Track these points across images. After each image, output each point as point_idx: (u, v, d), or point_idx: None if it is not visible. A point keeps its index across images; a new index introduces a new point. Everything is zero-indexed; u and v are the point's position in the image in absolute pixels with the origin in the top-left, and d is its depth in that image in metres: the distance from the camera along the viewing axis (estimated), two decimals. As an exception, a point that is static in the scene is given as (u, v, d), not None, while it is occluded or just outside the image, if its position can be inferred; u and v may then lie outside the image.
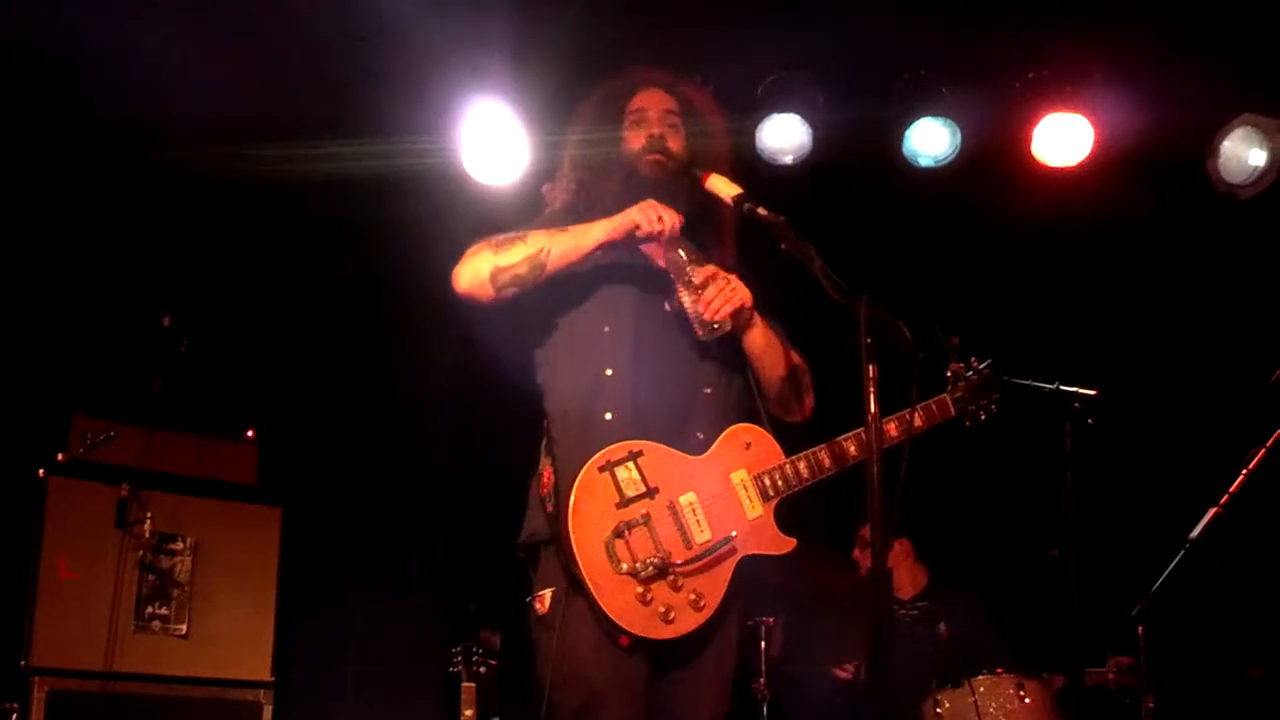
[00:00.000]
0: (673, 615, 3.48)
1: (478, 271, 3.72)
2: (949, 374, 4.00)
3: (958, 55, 6.55)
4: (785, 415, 3.96)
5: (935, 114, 6.68)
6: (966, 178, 6.74)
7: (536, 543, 3.68)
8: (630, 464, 3.56)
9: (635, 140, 3.93)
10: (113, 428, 6.03)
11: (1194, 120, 6.42)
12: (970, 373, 4.02)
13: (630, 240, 3.74)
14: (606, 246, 3.75)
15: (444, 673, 5.89)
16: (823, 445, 3.78)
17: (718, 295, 3.72)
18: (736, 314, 3.76)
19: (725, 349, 3.84)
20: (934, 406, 3.95)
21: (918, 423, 3.87)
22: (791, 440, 3.82)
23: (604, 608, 3.43)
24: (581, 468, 3.53)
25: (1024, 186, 6.73)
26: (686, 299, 3.75)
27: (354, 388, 7.09)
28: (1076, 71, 6.50)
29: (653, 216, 3.71)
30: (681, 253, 3.79)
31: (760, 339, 3.86)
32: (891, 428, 3.75)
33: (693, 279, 3.76)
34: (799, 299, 3.83)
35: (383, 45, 6.01)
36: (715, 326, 3.74)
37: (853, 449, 3.76)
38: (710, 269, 3.77)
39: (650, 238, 3.73)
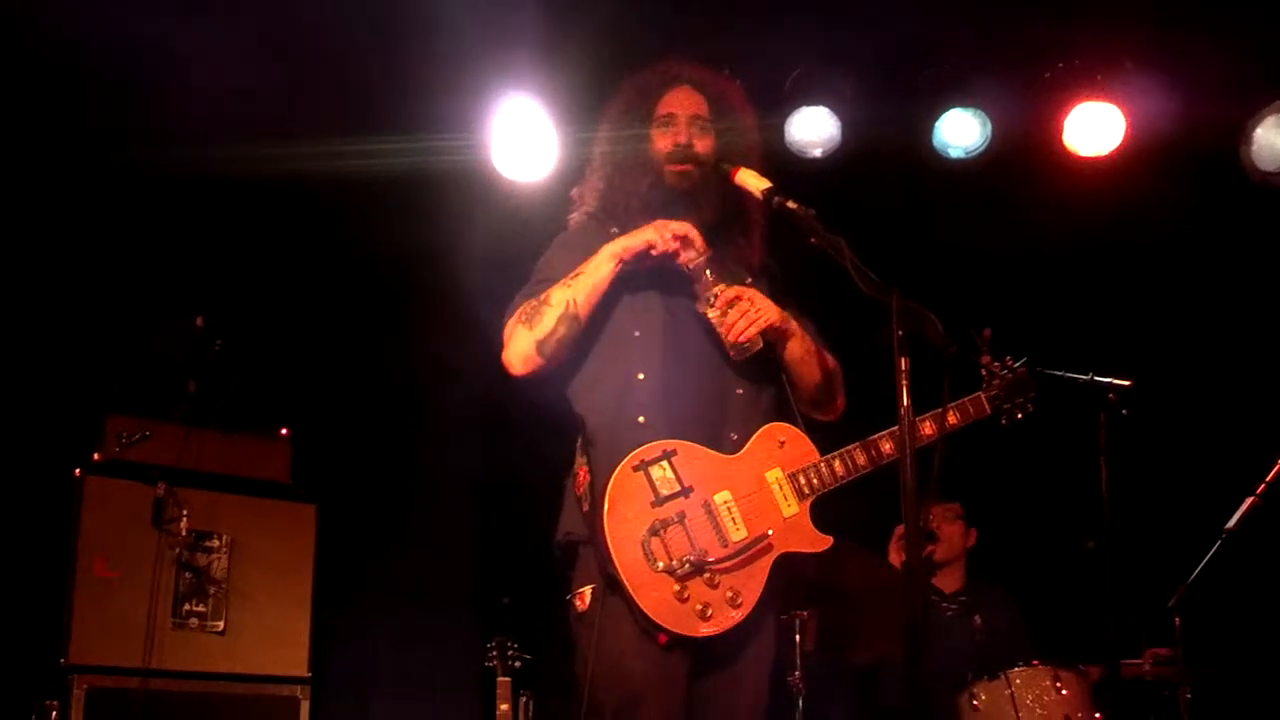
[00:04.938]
0: (710, 612, 3.49)
1: (524, 352, 3.75)
2: (984, 372, 3.99)
3: (987, 45, 6.52)
4: (817, 414, 3.98)
5: (965, 105, 6.65)
6: (997, 169, 6.72)
7: (574, 541, 3.69)
8: (665, 463, 3.58)
9: (662, 143, 3.92)
10: (148, 427, 6.06)
11: (1226, 107, 6.38)
12: (1005, 371, 4.01)
13: (645, 260, 3.73)
14: (628, 264, 3.74)
15: (479, 667, 5.91)
16: (857, 444, 3.79)
17: (741, 318, 3.73)
18: (765, 332, 3.76)
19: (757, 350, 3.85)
20: (969, 405, 3.95)
21: (953, 420, 3.88)
22: (825, 438, 3.82)
23: (641, 605, 3.44)
24: (613, 468, 3.54)
25: (1055, 177, 6.69)
26: (714, 322, 3.76)
27: (385, 385, 7.11)
28: (1107, 60, 6.46)
29: (667, 235, 3.71)
30: (708, 273, 3.77)
31: (798, 349, 3.87)
32: (927, 426, 3.76)
33: (716, 302, 3.75)
34: (828, 293, 3.84)
35: (413, 42, 6.02)
36: (745, 347, 3.74)
37: (887, 447, 3.77)
38: (734, 291, 3.76)
39: (666, 257, 3.73)
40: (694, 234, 3.74)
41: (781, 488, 3.69)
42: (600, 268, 3.72)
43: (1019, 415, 4.03)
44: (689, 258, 3.75)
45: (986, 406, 3.97)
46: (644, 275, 3.82)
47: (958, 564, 6.64)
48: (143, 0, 5.50)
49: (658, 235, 3.71)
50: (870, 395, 3.85)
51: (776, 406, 3.87)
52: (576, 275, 3.73)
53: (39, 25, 5.61)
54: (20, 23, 5.60)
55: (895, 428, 3.65)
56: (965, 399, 3.95)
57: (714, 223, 3.87)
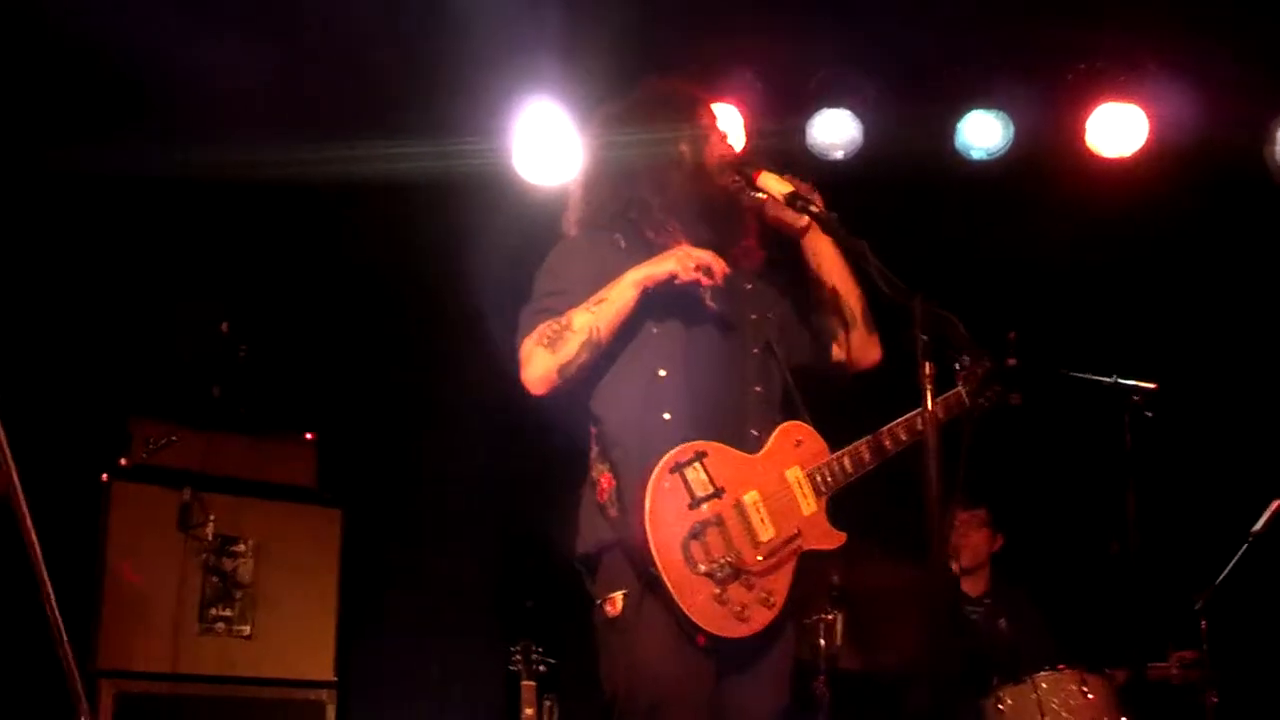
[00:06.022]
0: (747, 613, 3.52)
1: (545, 375, 3.71)
2: (957, 366, 4.01)
3: (1009, 46, 6.50)
4: (862, 359, 4.03)
5: (987, 106, 6.63)
6: (1019, 171, 6.69)
7: (601, 550, 3.69)
8: (697, 464, 3.58)
9: (713, 154, 3.92)
10: (173, 432, 6.10)
11: (1250, 108, 6.35)
12: (975, 365, 4.01)
13: (667, 288, 3.72)
14: (650, 292, 3.73)
15: (504, 671, 5.93)
16: (862, 440, 3.82)
17: None
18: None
19: (765, 347, 3.88)
20: (951, 399, 3.96)
21: (941, 415, 3.91)
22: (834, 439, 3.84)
23: (684, 609, 3.45)
24: (644, 470, 3.54)
25: (1078, 178, 6.67)
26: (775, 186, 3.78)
27: (409, 389, 7.13)
28: (1129, 61, 6.44)
29: (689, 265, 3.70)
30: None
31: (833, 252, 3.91)
32: (918, 423, 3.77)
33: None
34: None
35: (436, 47, 6.04)
36: (807, 201, 3.74)
37: (888, 443, 3.82)
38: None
39: (689, 284, 3.73)
40: (716, 263, 3.74)
41: (801, 486, 3.72)
42: (624, 295, 3.70)
43: (985, 405, 4.03)
44: (709, 283, 3.76)
45: (966, 400, 3.98)
46: None
47: (982, 569, 6.64)
48: (166, 5, 5.52)
49: (680, 266, 3.71)
50: (876, 394, 3.89)
51: (787, 405, 3.88)
52: (600, 301, 3.70)
53: (62, 28, 5.63)
54: (44, 25, 5.62)
55: (893, 425, 3.80)
56: (947, 394, 3.96)
57: (735, 237, 3.90)
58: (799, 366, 3.97)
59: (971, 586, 6.62)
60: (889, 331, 3.99)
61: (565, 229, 4.03)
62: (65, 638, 3.35)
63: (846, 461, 3.78)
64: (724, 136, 4.00)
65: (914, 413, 3.76)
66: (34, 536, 3.31)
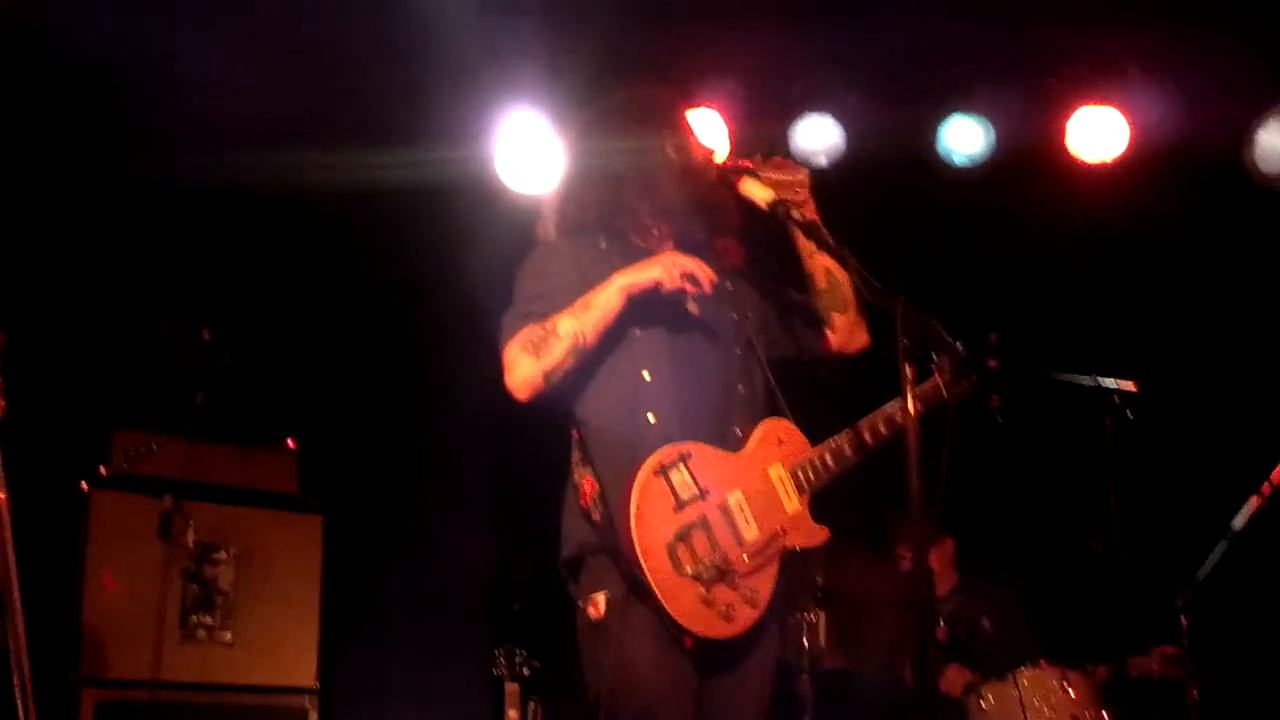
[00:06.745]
0: (733, 613, 3.52)
1: (530, 381, 3.71)
2: (933, 356, 4.02)
3: (990, 51, 6.53)
4: (852, 343, 4.03)
5: (968, 111, 6.66)
6: (1001, 175, 6.72)
7: (584, 553, 3.69)
8: (682, 466, 3.58)
9: (701, 154, 3.94)
10: (154, 440, 6.07)
11: (1230, 111, 6.39)
12: (948, 358, 4.01)
13: (651, 295, 3.72)
14: (635, 298, 3.72)
15: (488, 675, 5.92)
16: (842, 434, 3.81)
17: None
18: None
19: (747, 346, 3.88)
20: (928, 388, 3.95)
21: (919, 408, 3.90)
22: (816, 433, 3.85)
23: (670, 611, 3.45)
24: (628, 472, 3.54)
25: (1059, 182, 6.70)
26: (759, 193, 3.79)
27: (392, 395, 7.12)
28: (1110, 65, 6.47)
29: (675, 273, 3.70)
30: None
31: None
32: (896, 415, 3.77)
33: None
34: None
35: (419, 56, 6.05)
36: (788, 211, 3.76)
37: (868, 436, 3.80)
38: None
39: (674, 293, 3.73)
40: (701, 271, 3.74)
41: (784, 484, 3.72)
42: (610, 300, 3.69)
43: (963, 395, 4.02)
44: (695, 291, 3.76)
45: (943, 390, 3.98)
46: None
47: (946, 574, 6.69)
48: (150, 11, 5.52)
49: (666, 274, 3.71)
50: (855, 390, 3.89)
51: (770, 403, 3.88)
52: (586, 307, 3.69)
53: (41, 39, 5.62)
54: (31, 31, 5.61)
55: (873, 416, 3.79)
56: (923, 385, 3.95)
57: (724, 233, 3.91)
58: (783, 359, 3.98)
59: (940, 588, 6.66)
60: (871, 333, 4.01)
61: (542, 233, 4.02)
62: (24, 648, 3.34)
63: (828, 457, 3.77)
64: (699, 139, 4.00)
65: (891, 403, 3.75)
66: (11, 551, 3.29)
